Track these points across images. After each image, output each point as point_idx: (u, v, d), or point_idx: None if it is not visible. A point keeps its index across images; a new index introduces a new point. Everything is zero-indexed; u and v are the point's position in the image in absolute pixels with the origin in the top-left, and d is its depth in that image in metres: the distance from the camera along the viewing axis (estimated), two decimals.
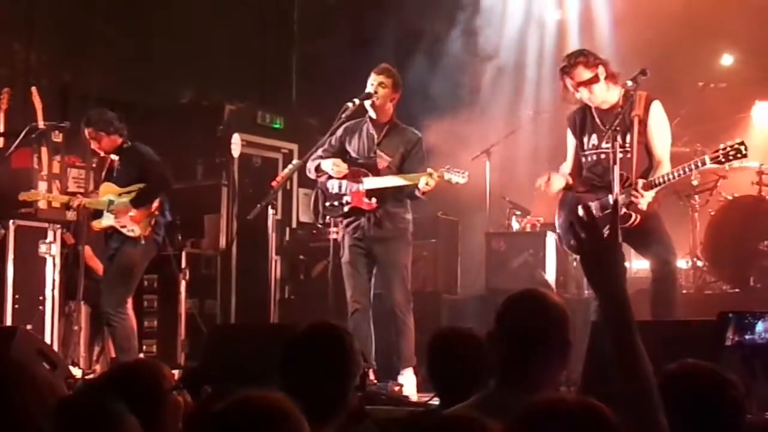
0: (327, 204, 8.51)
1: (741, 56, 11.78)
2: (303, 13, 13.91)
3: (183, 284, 10.52)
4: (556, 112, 11.02)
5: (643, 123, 7.45)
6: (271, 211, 8.23)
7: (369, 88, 8.30)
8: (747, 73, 11.41)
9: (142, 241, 8.87)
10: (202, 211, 11.73)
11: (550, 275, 10.16)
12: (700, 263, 9.55)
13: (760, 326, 5.64)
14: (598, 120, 7.55)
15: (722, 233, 9.34)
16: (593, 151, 7.58)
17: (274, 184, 8.46)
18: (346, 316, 8.29)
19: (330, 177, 8.42)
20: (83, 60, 11.69)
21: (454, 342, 4.70)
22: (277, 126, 12.54)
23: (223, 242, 11.62)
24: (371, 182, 8.27)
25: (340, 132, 8.49)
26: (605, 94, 7.49)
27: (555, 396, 2.58)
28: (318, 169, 8.49)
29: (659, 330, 5.96)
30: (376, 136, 8.39)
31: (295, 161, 9.71)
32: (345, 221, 8.40)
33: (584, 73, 7.42)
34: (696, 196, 9.71)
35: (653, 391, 2.87)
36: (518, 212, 10.79)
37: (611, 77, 7.46)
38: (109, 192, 9.08)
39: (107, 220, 8.96)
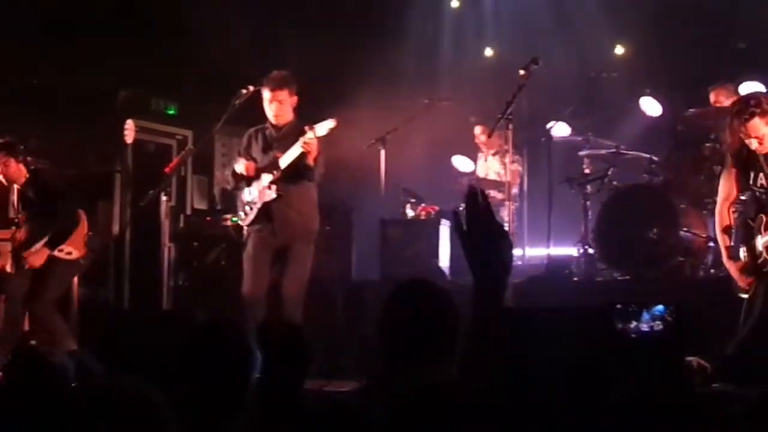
0: (241, 213, 8.48)
1: (632, 47, 11.98)
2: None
3: None
4: (452, 100, 11.09)
5: None
6: (164, 198, 8.20)
7: (268, 108, 8.30)
8: (637, 64, 11.59)
9: (82, 261, 8.76)
10: (94, 197, 11.57)
11: (444, 263, 10.24)
12: (591, 250, 9.67)
13: (645, 315, 5.77)
14: (763, 161, 6.96)
15: (613, 221, 9.46)
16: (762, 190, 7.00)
17: (167, 170, 8.43)
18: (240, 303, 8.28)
19: (244, 187, 8.43)
20: None
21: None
22: (171, 112, 12.43)
23: (116, 229, 11.48)
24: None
25: (245, 141, 8.58)
26: None
27: None
28: (233, 175, 8.51)
29: (550, 316, 6.07)
30: (273, 136, 8.43)
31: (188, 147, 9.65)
32: (254, 225, 8.40)
33: (762, 128, 6.83)
34: (588, 185, 9.84)
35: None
36: (412, 200, 10.84)
37: None
38: None
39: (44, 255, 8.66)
